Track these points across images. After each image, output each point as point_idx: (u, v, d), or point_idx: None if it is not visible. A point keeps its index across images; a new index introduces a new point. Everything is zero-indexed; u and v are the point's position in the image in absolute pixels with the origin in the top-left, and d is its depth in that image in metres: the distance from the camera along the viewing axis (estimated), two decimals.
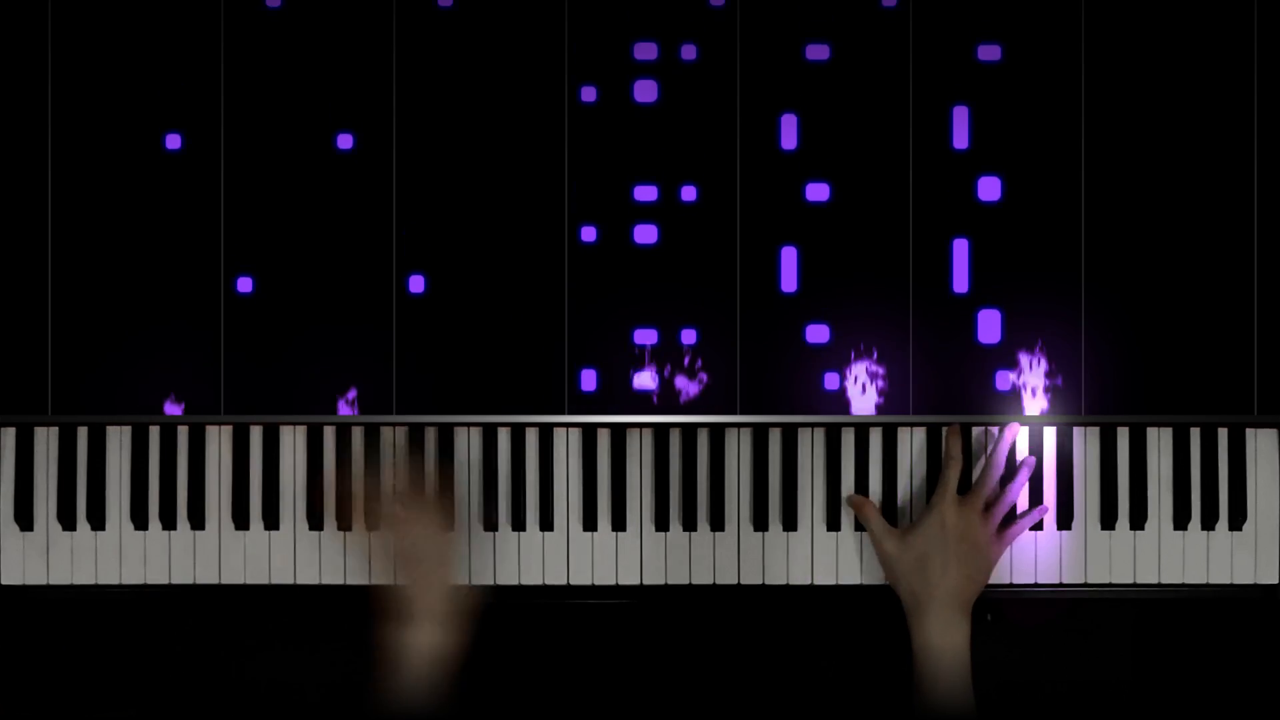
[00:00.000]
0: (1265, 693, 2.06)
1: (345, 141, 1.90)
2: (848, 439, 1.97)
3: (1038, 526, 1.95)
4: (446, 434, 1.96)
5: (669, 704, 2.06)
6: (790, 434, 1.96)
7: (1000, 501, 1.92)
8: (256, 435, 1.97)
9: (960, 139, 1.91)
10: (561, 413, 1.92)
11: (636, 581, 1.97)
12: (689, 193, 1.90)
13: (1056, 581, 1.96)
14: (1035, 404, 1.92)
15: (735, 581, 1.96)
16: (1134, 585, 1.96)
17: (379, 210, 1.91)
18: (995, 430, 1.95)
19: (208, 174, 1.91)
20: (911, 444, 1.96)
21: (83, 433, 1.96)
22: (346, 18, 1.90)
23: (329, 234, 1.91)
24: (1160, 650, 2.06)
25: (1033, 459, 1.94)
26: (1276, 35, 1.91)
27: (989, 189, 1.91)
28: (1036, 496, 1.96)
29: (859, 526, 1.96)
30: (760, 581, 1.96)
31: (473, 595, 1.88)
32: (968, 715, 1.83)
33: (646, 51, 1.90)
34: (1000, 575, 1.96)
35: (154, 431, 1.96)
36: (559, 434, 1.97)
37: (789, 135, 1.91)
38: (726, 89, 1.90)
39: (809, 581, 1.96)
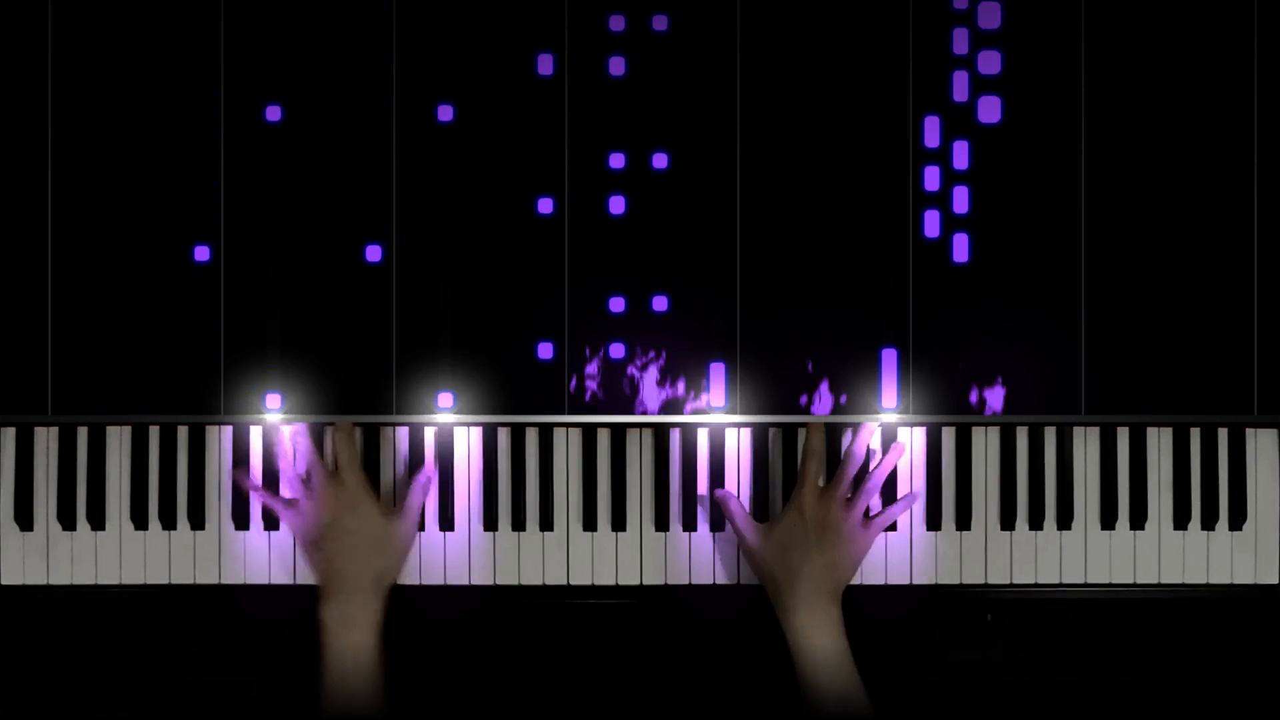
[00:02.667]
0: (1265, 693, 2.06)
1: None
2: (846, 440, 1.97)
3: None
4: (446, 434, 1.96)
5: (668, 704, 2.06)
6: (790, 434, 1.96)
7: (862, 490, 1.90)
8: (256, 435, 1.96)
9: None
10: (561, 413, 1.92)
11: (636, 581, 1.97)
12: None
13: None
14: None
15: (735, 581, 1.96)
16: (1134, 585, 1.96)
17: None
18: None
19: (206, 171, 1.91)
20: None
21: (83, 433, 1.96)
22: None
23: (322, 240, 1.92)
24: (1160, 650, 2.06)
25: (901, 444, 1.93)
26: (1276, 38, 1.91)
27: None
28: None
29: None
30: (760, 581, 1.96)
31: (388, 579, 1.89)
32: (858, 707, 1.81)
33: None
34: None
35: (154, 431, 1.96)
36: (559, 434, 1.97)
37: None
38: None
39: None
